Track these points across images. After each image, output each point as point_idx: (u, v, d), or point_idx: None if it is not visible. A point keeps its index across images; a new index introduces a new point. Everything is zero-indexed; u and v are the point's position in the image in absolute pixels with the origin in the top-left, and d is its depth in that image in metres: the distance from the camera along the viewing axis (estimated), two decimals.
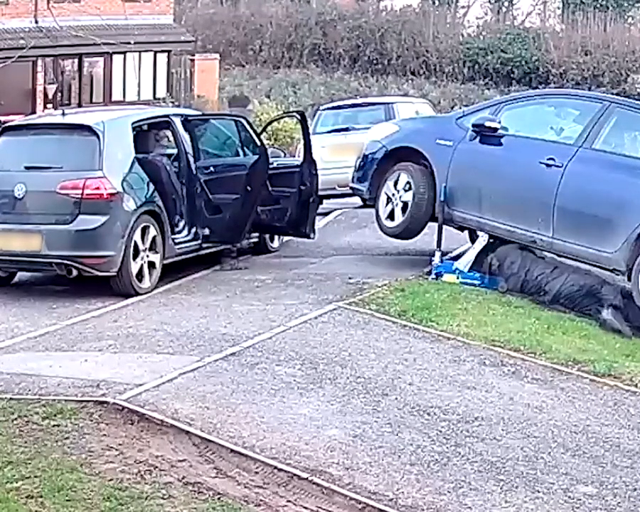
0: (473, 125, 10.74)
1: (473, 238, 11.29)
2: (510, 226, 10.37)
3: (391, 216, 11.17)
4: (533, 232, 10.19)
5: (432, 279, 10.54)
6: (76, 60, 32.44)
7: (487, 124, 10.62)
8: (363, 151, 11.81)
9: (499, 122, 10.60)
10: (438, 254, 10.80)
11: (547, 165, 10.09)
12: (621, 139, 10.29)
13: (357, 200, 15.15)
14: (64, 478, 5.96)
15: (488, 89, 36.51)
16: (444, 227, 10.91)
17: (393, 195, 11.16)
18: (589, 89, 34.23)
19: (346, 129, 18.57)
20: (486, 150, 10.68)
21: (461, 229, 11.34)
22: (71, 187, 10.18)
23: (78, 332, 8.89)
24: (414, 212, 10.95)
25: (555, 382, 7.86)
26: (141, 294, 10.31)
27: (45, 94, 31.24)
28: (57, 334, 8.85)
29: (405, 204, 11.08)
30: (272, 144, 22.74)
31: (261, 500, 5.86)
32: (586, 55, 36.62)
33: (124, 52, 32.28)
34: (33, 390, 7.30)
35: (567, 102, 11.25)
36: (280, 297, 9.93)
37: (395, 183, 11.13)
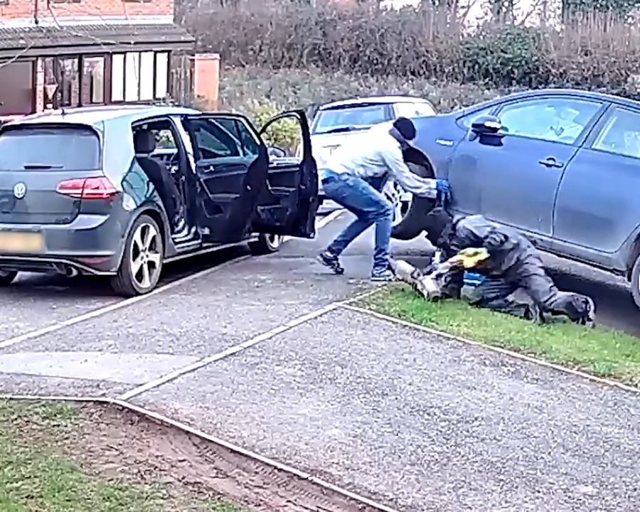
0: (474, 125, 10.74)
1: None
2: (510, 226, 10.36)
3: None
4: (533, 232, 10.19)
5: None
6: (76, 60, 32.41)
7: (487, 124, 10.63)
8: None
9: (499, 122, 10.61)
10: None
11: (547, 165, 10.09)
12: (621, 139, 10.30)
13: None
14: (64, 478, 5.96)
15: (488, 89, 36.49)
16: None
17: (393, 195, 11.17)
18: (589, 89, 34.22)
19: (346, 129, 18.57)
20: (486, 150, 10.68)
21: None
22: (71, 186, 10.18)
23: (78, 332, 8.89)
24: (414, 212, 10.95)
25: (555, 382, 7.85)
26: (141, 294, 10.31)
27: (45, 94, 31.22)
28: (57, 334, 8.85)
29: (405, 204, 11.09)
30: (272, 144, 22.73)
31: (261, 500, 5.85)
32: (586, 55, 36.60)
33: (124, 52, 32.26)
34: (33, 390, 7.30)
35: (567, 102, 11.26)
36: (280, 297, 9.93)
37: (395, 183, 11.13)
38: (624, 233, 9.51)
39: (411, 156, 11.08)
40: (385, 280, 10.45)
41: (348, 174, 10.64)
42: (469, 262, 9.72)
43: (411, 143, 10.77)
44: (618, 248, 9.56)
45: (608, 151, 10.01)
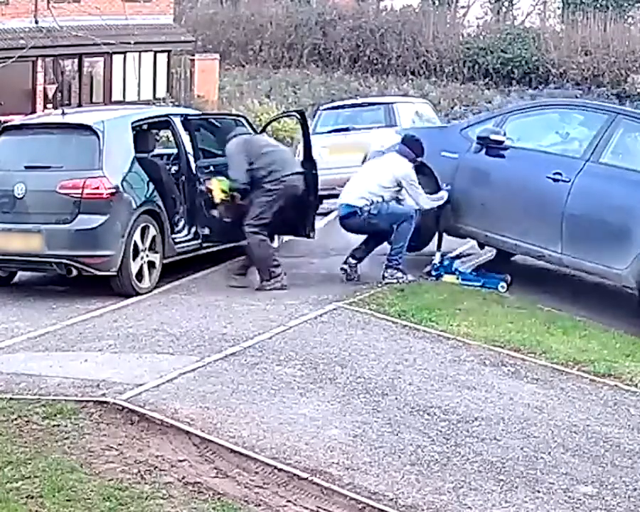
0: (478, 137, 10.45)
1: (481, 243, 11.25)
2: (518, 241, 10.22)
3: None
4: (542, 248, 9.99)
5: (432, 279, 10.54)
6: (76, 60, 32.42)
7: (492, 136, 10.33)
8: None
9: (504, 134, 10.36)
10: (438, 254, 10.79)
11: (555, 180, 9.82)
12: (629, 151, 10.04)
13: None
14: (64, 478, 5.96)
15: (488, 89, 36.50)
16: None
17: None
18: (589, 89, 34.23)
19: (346, 129, 18.56)
20: (492, 163, 10.40)
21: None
22: (71, 186, 10.19)
23: (78, 332, 8.89)
24: (419, 223, 10.76)
25: (555, 382, 7.85)
26: (141, 294, 10.32)
27: (45, 94, 31.22)
28: (57, 334, 8.85)
29: None
30: None
31: (261, 500, 5.85)
32: (586, 55, 36.60)
33: (124, 52, 32.27)
34: (33, 390, 7.30)
35: (573, 113, 11.00)
36: (280, 297, 9.94)
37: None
38: (634, 249, 9.29)
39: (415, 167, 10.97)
40: (397, 282, 10.29)
41: (368, 205, 10.48)
42: (217, 192, 10.09)
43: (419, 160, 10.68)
44: (628, 265, 9.32)
45: (615, 164, 9.75)
